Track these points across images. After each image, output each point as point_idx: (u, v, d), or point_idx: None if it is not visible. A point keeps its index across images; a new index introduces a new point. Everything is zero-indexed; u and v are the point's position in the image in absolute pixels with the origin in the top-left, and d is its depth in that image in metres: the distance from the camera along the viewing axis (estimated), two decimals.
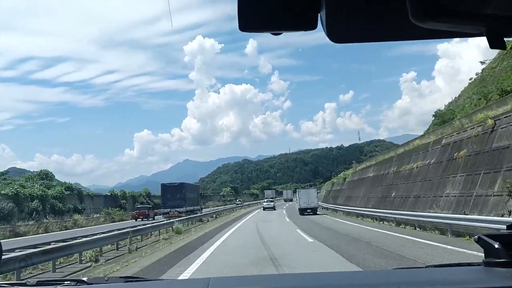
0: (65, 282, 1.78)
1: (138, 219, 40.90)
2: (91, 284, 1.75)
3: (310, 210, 37.61)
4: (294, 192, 73.25)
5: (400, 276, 1.69)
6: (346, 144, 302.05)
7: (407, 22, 0.69)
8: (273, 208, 50.66)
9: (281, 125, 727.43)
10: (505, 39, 0.77)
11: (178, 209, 39.50)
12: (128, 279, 1.88)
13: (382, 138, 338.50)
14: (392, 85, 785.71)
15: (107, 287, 1.77)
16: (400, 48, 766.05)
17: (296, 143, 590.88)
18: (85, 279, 1.81)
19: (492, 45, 0.75)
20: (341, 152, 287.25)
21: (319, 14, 0.80)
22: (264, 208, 50.89)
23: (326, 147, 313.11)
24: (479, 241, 1.52)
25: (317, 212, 37.85)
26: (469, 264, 1.79)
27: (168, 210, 40.16)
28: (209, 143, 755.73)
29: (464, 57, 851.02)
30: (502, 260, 1.41)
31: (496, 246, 1.43)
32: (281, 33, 0.85)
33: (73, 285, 1.72)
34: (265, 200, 60.44)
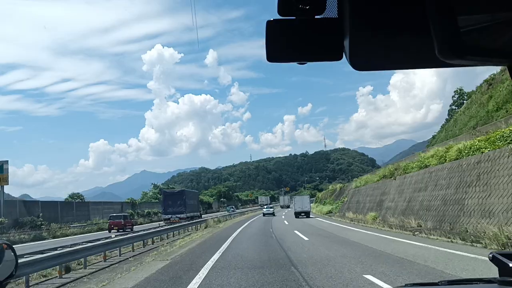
0: None
1: (112, 231, 34.47)
2: None
3: (303, 214, 43.21)
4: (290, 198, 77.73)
5: None
6: (311, 151, 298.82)
7: (431, 54, 0.68)
8: (273, 214, 53.40)
9: (241, 136, 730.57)
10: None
11: (179, 215, 40.38)
12: None
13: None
14: (349, 99, 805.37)
15: None
16: None
17: (255, 154, 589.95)
18: None
19: None
20: (306, 160, 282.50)
21: (343, 45, 0.83)
22: (264, 214, 53.56)
23: (290, 154, 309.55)
24: (493, 259, 1.50)
25: (310, 216, 43.69)
26: (482, 280, 1.74)
27: (169, 216, 40.98)
28: (167, 154, 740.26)
29: (418, 73, 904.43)
30: None
31: (511, 265, 1.42)
32: (306, 63, 0.91)
33: None
34: (265, 206, 63.95)
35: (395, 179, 25.16)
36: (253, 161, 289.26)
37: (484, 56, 0.69)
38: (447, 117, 62.38)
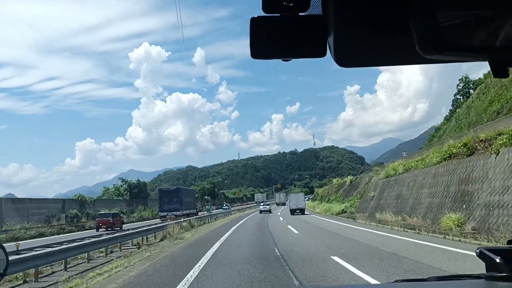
0: None
1: (100, 229, 32.78)
2: None
3: (299, 211, 43.67)
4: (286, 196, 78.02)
5: None
6: (300, 149, 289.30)
7: (413, 50, 0.71)
8: (269, 211, 53.00)
9: (229, 135, 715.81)
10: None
11: (175, 213, 40.63)
12: None
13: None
14: (337, 98, 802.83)
15: None
16: None
17: (244, 153, 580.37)
18: None
19: (496, 74, 0.78)
20: (295, 158, 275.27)
21: (327, 42, 0.83)
22: (261, 211, 53.48)
23: (279, 152, 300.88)
24: (481, 255, 1.50)
25: (305, 212, 43.90)
26: (470, 277, 1.73)
27: (165, 213, 40.94)
28: (155, 152, 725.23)
29: (405, 71, 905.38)
30: (504, 274, 1.40)
31: (498, 260, 1.42)
32: (290, 60, 0.90)
33: None
34: (261, 204, 65.09)
35: (497, 154, 13.78)
36: (241, 159, 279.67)
37: (464, 51, 0.70)
38: (451, 108, 61.78)
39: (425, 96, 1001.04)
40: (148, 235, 19.53)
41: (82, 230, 34.42)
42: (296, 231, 19.90)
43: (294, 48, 0.85)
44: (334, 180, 55.89)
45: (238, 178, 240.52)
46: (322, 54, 0.84)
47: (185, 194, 46.76)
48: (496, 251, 1.46)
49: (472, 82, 53.22)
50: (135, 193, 61.97)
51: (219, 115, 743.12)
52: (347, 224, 23.75)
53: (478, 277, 1.62)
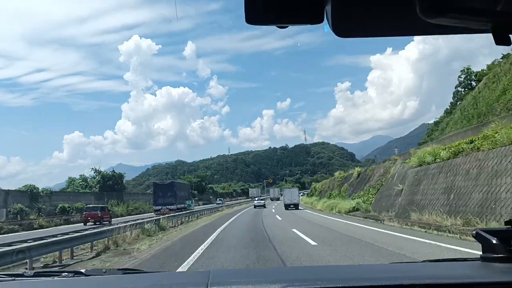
0: (63, 274, 1.74)
1: (88, 223, 30.84)
2: (89, 275, 1.72)
3: (293, 206, 44.70)
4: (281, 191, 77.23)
5: (398, 271, 1.68)
6: (291, 145, 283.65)
7: (413, 17, 0.70)
8: (264, 206, 52.87)
9: (219, 130, 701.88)
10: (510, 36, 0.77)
11: (169, 207, 40.75)
12: (126, 271, 1.92)
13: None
14: (327, 94, 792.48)
15: (105, 279, 1.72)
16: (336, 59, 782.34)
17: (234, 148, 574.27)
18: (83, 270, 1.81)
19: (498, 42, 0.76)
20: (285, 153, 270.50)
21: (325, 8, 0.81)
22: (255, 206, 53.16)
23: (270, 147, 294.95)
24: (477, 236, 1.51)
25: (299, 207, 44.88)
26: (466, 259, 1.77)
27: (160, 207, 40.97)
28: (144, 147, 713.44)
29: (395, 69, 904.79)
30: (500, 255, 1.41)
31: (494, 241, 1.43)
32: (287, 27, 0.86)
33: (71, 277, 1.69)
34: (256, 198, 65.50)
35: None
36: (231, 154, 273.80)
37: (467, 14, 0.69)
38: (452, 101, 60.83)
39: (415, 94, 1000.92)
40: (82, 245, 12.62)
41: (30, 230, 27.33)
42: (313, 242, 13.04)
43: (290, 14, 0.80)
44: (336, 174, 48.91)
45: (228, 173, 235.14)
46: (319, 21, 0.80)
47: (179, 188, 46.95)
48: (492, 232, 1.47)
49: (474, 74, 52.14)
50: (109, 185, 54.81)
51: (209, 109, 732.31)
52: (376, 229, 16.99)
53: (474, 259, 1.63)
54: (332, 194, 42.36)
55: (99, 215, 32.45)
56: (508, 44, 0.76)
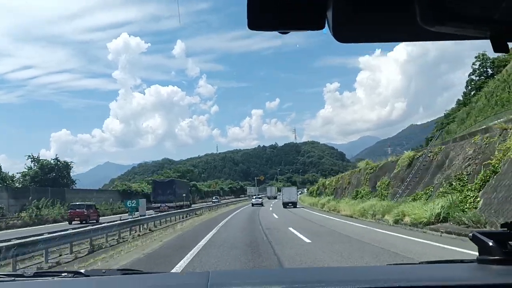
0: (63, 274, 1.75)
1: (73, 222, 29.96)
2: (89, 276, 1.74)
3: (291, 204, 46.21)
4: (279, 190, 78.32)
5: (394, 273, 1.70)
6: (280, 143, 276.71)
7: (413, 24, 0.71)
8: (261, 204, 53.69)
9: (208, 129, 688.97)
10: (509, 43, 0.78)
11: (168, 204, 40.99)
12: (125, 271, 1.91)
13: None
14: (316, 95, 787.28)
15: (105, 279, 1.73)
16: (325, 59, 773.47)
17: (222, 148, 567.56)
18: (82, 271, 1.82)
19: (496, 49, 0.76)
20: (275, 152, 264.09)
21: (326, 14, 0.81)
22: (253, 204, 53.53)
23: (259, 146, 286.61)
24: (474, 238, 1.51)
25: (297, 206, 46.03)
26: (463, 261, 1.77)
27: (159, 205, 41.01)
28: (132, 145, 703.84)
29: (384, 70, 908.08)
30: (496, 257, 1.42)
31: (490, 243, 1.44)
32: (288, 32, 0.86)
33: (70, 277, 1.70)
34: (254, 197, 66.34)
35: None
36: (219, 153, 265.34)
37: (466, 23, 0.70)
38: (465, 90, 60.22)
39: (403, 95, 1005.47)
40: None
41: None
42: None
43: (292, 20, 0.80)
44: (361, 164, 36.43)
45: (216, 171, 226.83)
46: (320, 26, 0.80)
47: (178, 186, 47.27)
48: (489, 234, 1.48)
49: (491, 60, 49.89)
50: (51, 178, 43.72)
51: (198, 109, 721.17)
52: None
53: (470, 261, 1.64)
54: (360, 192, 30.86)
55: (85, 213, 31.11)
56: (507, 52, 0.76)
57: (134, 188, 60.76)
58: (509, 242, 1.47)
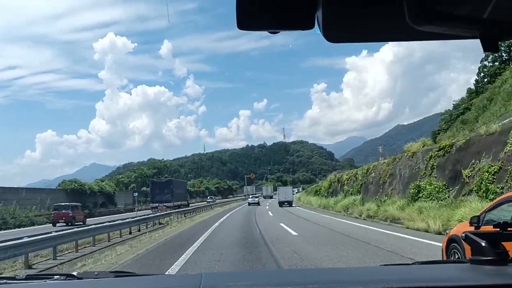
0: (55, 276, 1.76)
1: (57, 224, 30.05)
2: (81, 278, 1.74)
3: (287, 203, 47.78)
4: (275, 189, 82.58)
5: (387, 273, 1.71)
6: (269, 143, 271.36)
7: (403, 24, 0.71)
8: (258, 203, 54.24)
9: (196, 130, 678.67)
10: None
11: (166, 204, 40.73)
12: (118, 273, 1.90)
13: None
14: (303, 95, 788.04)
15: (97, 282, 1.74)
16: (312, 60, 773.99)
17: (210, 148, 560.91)
18: (75, 273, 1.82)
19: (486, 49, 0.76)
20: (264, 152, 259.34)
21: (316, 14, 0.81)
22: (250, 204, 54.35)
23: (247, 145, 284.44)
24: (466, 239, 1.53)
25: (292, 205, 48.04)
26: (456, 262, 1.80)
27: (157, 204, 41.06)
28: (119, 146, 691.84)
29: (370, 71, 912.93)
30: (489, 258, 1.43)
31: (483, 244, 1.46)
32: (278, 32, 0.86)
33: (62, 280, 1.70)
34: (250, 196, 67.58)
35: None
36: (206, 153, 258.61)
37: (454, 22, 0.70)
38: (477, 78, 58.94)
39: (389, 96, 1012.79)
40: None
41: None
42: None
43: (282, 20, 0.80)
44: (414, 145, 24.65)
45: (203, 171, 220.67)
46: (310, 26, 0.80)
47: (176, 186, 46.90)
48: (481, 235, 1.50)
49: (506, 45, 47.40)
50: None
51: (186, 109, 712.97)
52: None
53: (463, 261, 1.66)
54: (426, 188, 18.95)
55: (71, 214, 31.03)
56: (496, 51, 0.77)
57: (88, 186, 50.66)
58: (502, 243, 1.49)
